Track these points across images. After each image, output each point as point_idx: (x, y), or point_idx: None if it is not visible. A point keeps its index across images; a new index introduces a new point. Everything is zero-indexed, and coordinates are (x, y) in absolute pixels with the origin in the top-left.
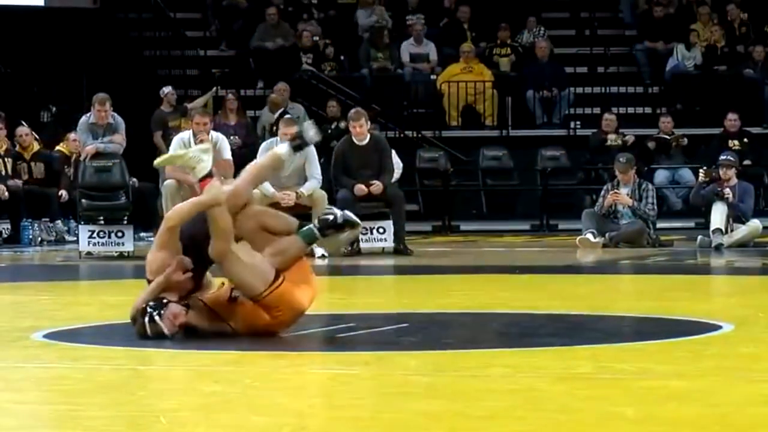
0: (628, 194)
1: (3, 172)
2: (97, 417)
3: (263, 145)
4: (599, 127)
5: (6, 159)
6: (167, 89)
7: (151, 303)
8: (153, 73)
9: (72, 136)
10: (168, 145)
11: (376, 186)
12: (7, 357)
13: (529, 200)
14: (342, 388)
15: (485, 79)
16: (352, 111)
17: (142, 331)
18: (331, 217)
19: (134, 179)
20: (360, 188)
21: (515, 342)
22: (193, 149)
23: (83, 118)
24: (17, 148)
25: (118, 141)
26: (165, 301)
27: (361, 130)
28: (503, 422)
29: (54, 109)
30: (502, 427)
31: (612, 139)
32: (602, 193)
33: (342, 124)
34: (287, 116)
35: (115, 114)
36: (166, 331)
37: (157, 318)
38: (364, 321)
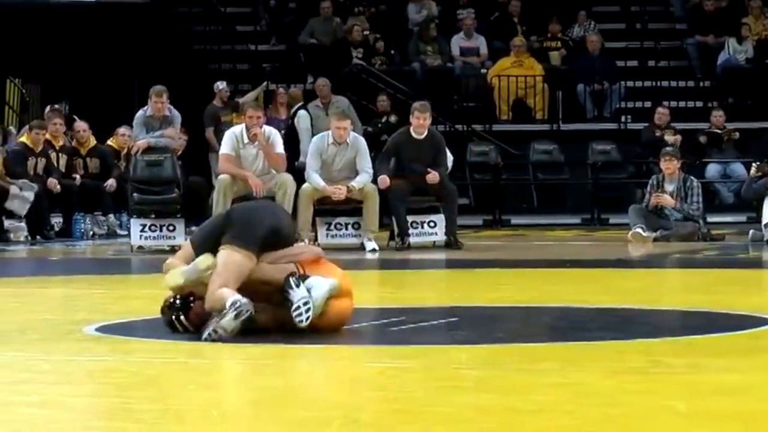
0: (672, 191)
1: (57, 168)
2: (148, 410)
3: (314, 140)
4: (650, 120)
5: (61, 154)
6: (221, 84)
7: (178, 301)
8: (204, 67)
9: (121, 130)
10: (220, 140)
11: (434, 175)
12: (59, 350)
13: (579, 194)
14: (392, 381)
15: (536, 73)
16: (418, 103)
17: (170, 326)
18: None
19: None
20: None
21: (565, 336)
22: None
23: (140, 112)
24: (74, 143)
25: (169, 134)
26: (191, 299)
27: (424, 123)
28: (553, 416)
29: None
30: (551, 421)
31: (663, 134)
32: (647, 188)
33: (392, 118)
34: (337, 108)
35: (172, 107)
36: (191, 329)
37: (182, 318)
38: (415, 315)
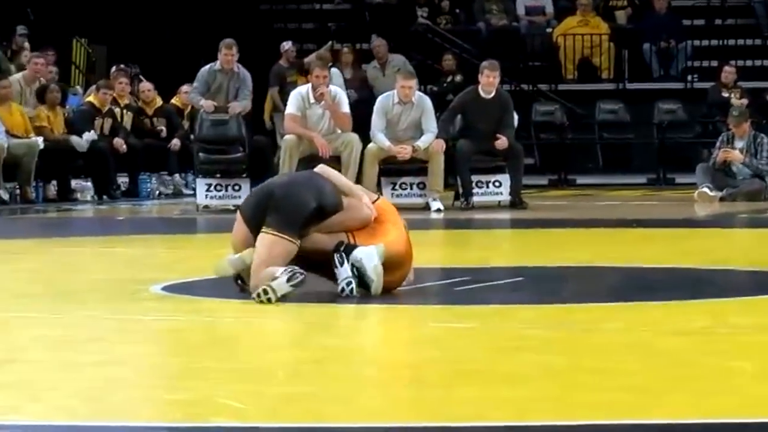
0: (742, 148)
1: (123, 127)
2: (214, 369)
3: (380, 99)
4: (717, 80)
5: (126, 113)
6: (287, 44)
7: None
8: (269, 27)
9: (184, 88)
10: (285, 100)
11: (502, 141)
12: (126, 309)
13: (645, 154)
14: (458, 341)
15: (602, 32)
16: (487, 61)
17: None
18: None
19: None
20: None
21: (631, 296)
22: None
23: (205, 67)
24: (140, 103)
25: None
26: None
27: (493, 81)
28: (618, 376)
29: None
30: (617, 381)
31: (730, 94)
32: (716, 145)
33: (458, 78)
34: (404, 68)
35: (241, 66)
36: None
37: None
38: (480, 275)
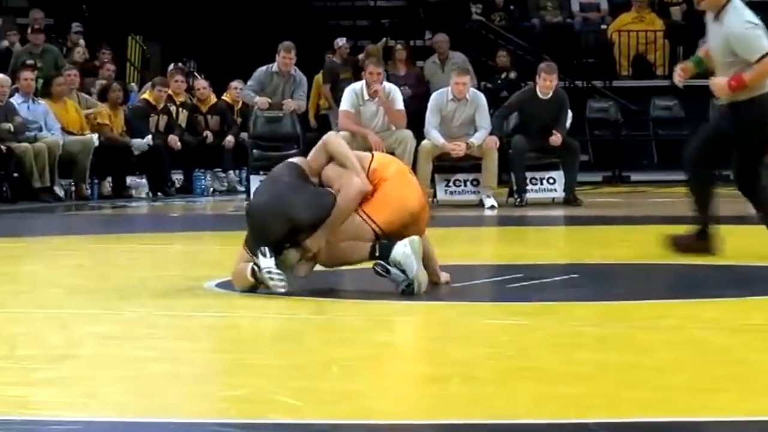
0: None
1: (179, 124)
2: (269, 366)
3: (434, 95)
4: None
5: (182, 110)
6: (341, 41)
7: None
8: (323, 23)
9: (233, 84)
10: (339, 96)
11: (556, 137)
12: (180, 306)
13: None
14: (511, 338)
15: (656, 28)
16: (545, 64)
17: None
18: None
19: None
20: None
21: (686, 293)
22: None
23: (262, 68)
24: (194, 100)
25: (295, 105)
26: None
27: (550, 85)
28: (673, 374)
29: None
30: (671, 378)
31: None
32: None
33: (512, 75)
34: (458, 64)
35: (297, 69)
36: None
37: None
38: (534, 271)
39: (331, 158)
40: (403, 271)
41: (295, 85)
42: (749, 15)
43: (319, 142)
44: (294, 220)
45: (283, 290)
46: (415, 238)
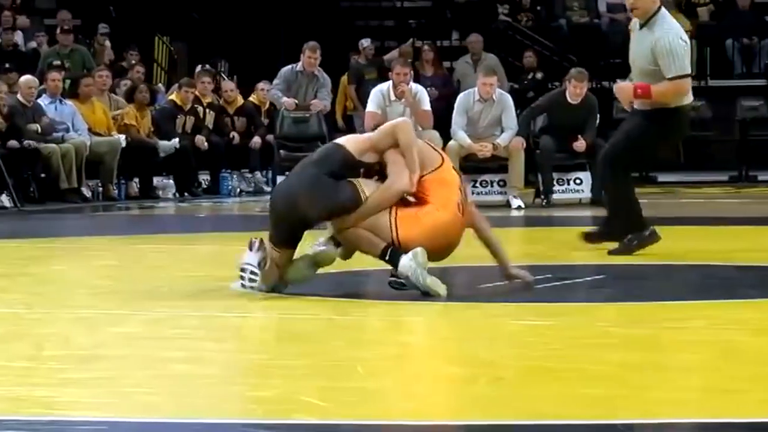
0: None
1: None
2: (295, 366)
3: (460, 96)
4: None
5: (209, 111)
6: (366, 42)
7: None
8: (350, 24)
9: (260, 85)
10: (364, 97)
11: (581, 143)
12: (206, 306)
13: (727, 151)
14: (538, 339)
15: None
16: (575, 70)
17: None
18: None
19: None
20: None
21: (714, 294)
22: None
23: (287, 68)
24: (221, 101)
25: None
26: None
27: (581, 93)
28: (701, 374)
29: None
30: (700, 379)
31: None
32: None
33: (539, 75)
34: (485, 65)
35: (321, 70)
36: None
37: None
38: (561, 272)
39: (396, 144)
40: (415, 286)
41: (318, 85)
42: (681, 30)
43: (390, 125)
44: (301, 214)
45: (250, 290)
46: (418, 249)
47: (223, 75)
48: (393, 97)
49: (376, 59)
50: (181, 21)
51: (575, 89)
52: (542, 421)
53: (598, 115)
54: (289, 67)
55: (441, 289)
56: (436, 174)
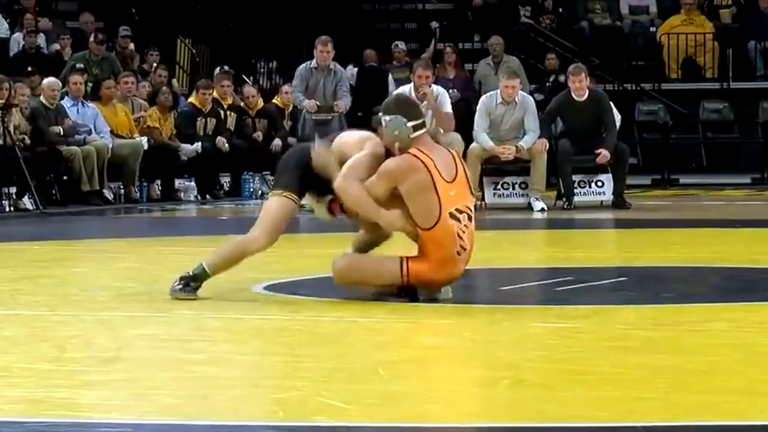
0: None
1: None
2: (317, 368)
3: (483, 99)
4: None
5: (230, 113)
6: (400, 45)
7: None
8: (372, 27)
9: (285, 88)
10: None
11: (603, 156)
12: (228, 308)
13: (750, 153)
14: (560, 341)
15: (706, 30)
16: (572, 66)
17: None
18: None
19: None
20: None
21: (736, 296)
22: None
23: (302, 66)
24: (242, 104)
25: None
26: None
27: (581, 86)
28: (724, 377)
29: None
30: (723, 381)
31: None
32: None
33: (561, 78)
34: (507, 68)
35: (337, 64)
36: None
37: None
38: (583, 274)
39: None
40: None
41: (336, 79)
42: None
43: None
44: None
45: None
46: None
47: (245, 78)
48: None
49: (410, 61)
50: (203, 23)
51: (574, 84)
52: (565, 424)
53: (619, 116)
54: (303, 65)
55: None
56: (431, 233)
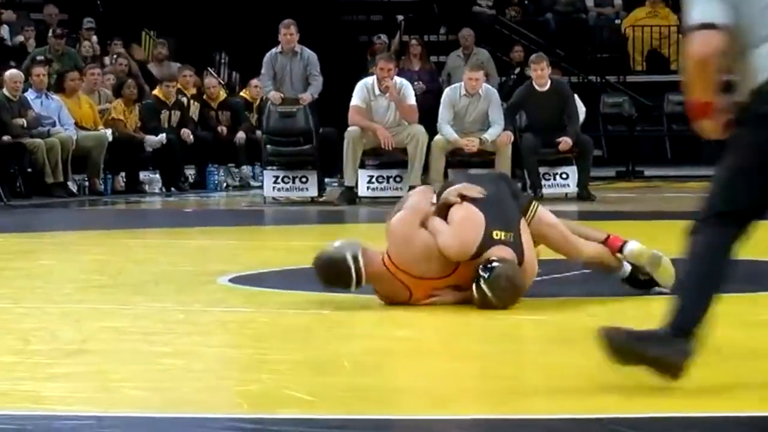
0: None
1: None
2: (282, 361)
3: (447, 91)
4: None
5: (193, 102)
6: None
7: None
8: (337, 18)
9: (254, 82)
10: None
11: (565, 143)
12: (193, 301)
13: (714, 146)
14: (527, 333)
15: (671, 23)
16: (533, 55)
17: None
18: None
19: None
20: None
21: None
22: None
23: (267, 54)
24: (204, 97)
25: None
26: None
27: (542, 74)
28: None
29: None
30: (688, 374)
31: None
32: None
33: (527, 71)
34: (474, 60)
35: (305, 48)
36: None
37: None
38: (548, 267)
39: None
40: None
41: (305, 62)
42: None
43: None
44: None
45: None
46: None
47: (209, 70)
48: (377, 92)
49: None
50: (168, 16)
51: (536, 72)
52: (531, 416)
53: (584, 109)
54: (269, 53)
55: None
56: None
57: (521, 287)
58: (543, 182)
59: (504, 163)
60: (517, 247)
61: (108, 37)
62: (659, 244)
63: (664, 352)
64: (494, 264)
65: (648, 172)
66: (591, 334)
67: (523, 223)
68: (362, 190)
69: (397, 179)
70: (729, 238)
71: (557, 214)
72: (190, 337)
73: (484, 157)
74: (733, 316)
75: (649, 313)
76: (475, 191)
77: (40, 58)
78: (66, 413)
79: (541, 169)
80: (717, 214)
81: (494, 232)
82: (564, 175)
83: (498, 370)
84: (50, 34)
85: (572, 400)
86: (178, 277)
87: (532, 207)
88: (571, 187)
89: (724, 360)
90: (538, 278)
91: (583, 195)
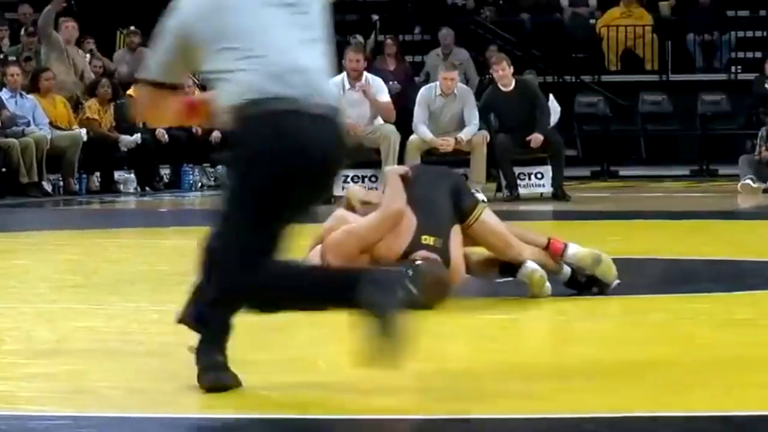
0: None
1: None
2: (257, 361)
3: (422, 91)
4: (761, 71)
5: None
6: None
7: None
8: None
9: None
10: None
11: (535, 138)
12: (168, 301)
13: (688, 145)
14: (500, 333)
15: (645, 23)
16: (493, 56)
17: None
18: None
19: None
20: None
21: (675, 288)
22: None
23: None
24: None
25: None
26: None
27: (504, 74)
28: (663, 368)
29: None
30: (661, 372)
31: None
32: (758, 140)
33: None
34: (449, 60)
35: None
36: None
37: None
38: None
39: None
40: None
41: None
42: None
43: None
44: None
45: None
46: None
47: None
48: (347, 86)
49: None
50: (143, 15)
51: (497, 73)
52: (502, 415)
53: (558, 108)
54: None
55: None
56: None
57: (447, 284)
58: (518, 182)
59: (479, 163)
60: (444, 253)
61: (82, 37)
62: (634, 243)
63: None
64: (418, 263)
65: (623, 172)
66: (564, 334)
67: (455, 228)
68: (337, 190)
69: (372, 179)
70: None
71: (533, 214)
72: (165, 336)
73: (459, 156)
74: (709, 315)
75: (619, 312)
76: (395, 176)
77: (12, 58)
78: (41, 413)
79: (516, 170)
80: None
81: (423, 237)
82: (539, 175)
83: (471, 369)
84: (22, 32)
85: (545, 400)
86: (153, 277)
87: (476, 210)
88: (547, 187)
89: (699, 359)
90: (511, 278)
91: (558, 195)
